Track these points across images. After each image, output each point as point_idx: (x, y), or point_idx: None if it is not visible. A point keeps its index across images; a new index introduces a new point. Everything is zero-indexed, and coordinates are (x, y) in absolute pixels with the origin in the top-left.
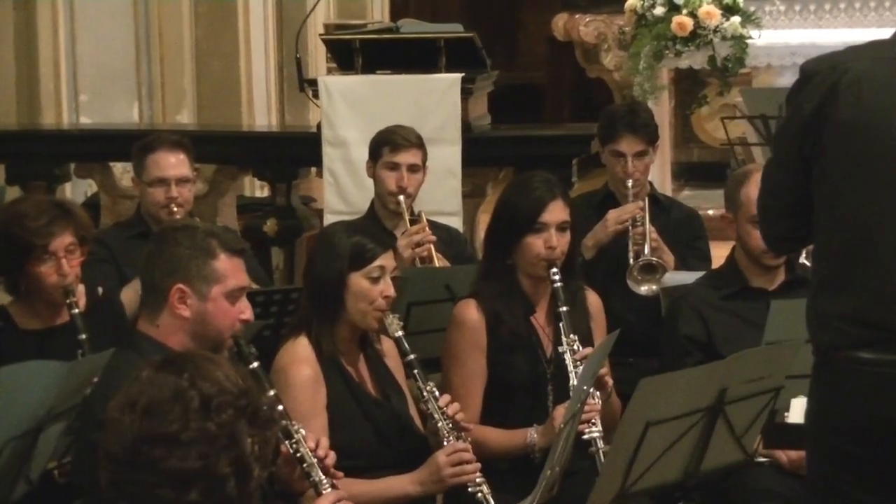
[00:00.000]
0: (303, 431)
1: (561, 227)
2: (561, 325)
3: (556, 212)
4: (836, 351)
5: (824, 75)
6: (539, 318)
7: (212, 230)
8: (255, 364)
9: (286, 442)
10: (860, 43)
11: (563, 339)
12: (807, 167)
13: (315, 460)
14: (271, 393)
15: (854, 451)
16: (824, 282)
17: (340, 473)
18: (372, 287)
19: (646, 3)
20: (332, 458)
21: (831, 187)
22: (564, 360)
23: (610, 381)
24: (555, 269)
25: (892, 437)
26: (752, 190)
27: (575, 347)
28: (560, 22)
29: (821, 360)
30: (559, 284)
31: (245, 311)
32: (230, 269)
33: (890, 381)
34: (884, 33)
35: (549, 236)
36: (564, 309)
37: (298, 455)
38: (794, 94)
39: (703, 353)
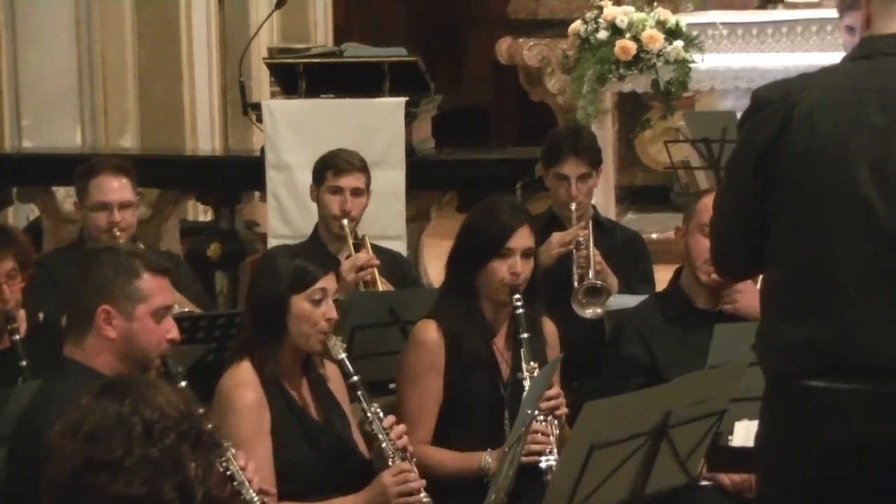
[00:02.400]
0: (232, 450)
1: (526, 254)
2: (522, 351)
3: (523, 238)
4: (790, 378)
5: (777, 104)
6: (498, 343)
7: (135, 250)
8: (183, 384)
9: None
10: (812, 71)
11: (524, 365)
12: (761, 196)
13: (245, 478)
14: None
15: (807, 477)
16: (780, 310)
17: (273, 490)
18: (314, 309)
19: (589, 27)
20: (259, 480)
21: (789, 218)
22: (523, 386)
23: (564, 409)
24: (518, 296)
25: (845, 464)
26: (708, 200)
27: (535, 375)
28: (504, 46)
29: (773, 387)
30: (521, 311)
31: (171, 330)
32: (155, 288)
33: (844, 408)
34: (826, 57)
35: (515, 262)
36: (525, 336)
37: (229, 473)
38: (745, 122)
39: (647, 375)
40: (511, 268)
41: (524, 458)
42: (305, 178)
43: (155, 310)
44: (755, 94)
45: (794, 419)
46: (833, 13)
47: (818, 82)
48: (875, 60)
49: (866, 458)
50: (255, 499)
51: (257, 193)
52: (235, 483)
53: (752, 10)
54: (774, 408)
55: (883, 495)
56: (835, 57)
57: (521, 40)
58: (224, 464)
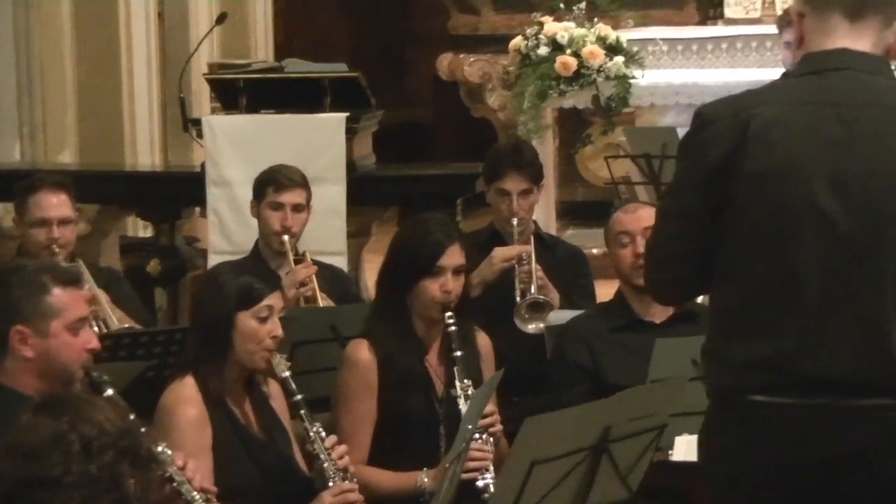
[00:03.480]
0: (169, 451)
1: (457, 271)
2: (455, 369)
3: (453, 256)
4: (745, 394)
5: (728, 121)
6: (431, 360)
7: (43, 265)
8: (110, 392)
9: None
10: (753, 86)
11: (458, 383)
12: (711, 215)
13: (185, 479)
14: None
15: (765, 492)
16: (734, 327)
17: (214, 489)
18: (260, 327)
19: (530, 43)
20: (200, 478)
21: (745, 234)
22: (458, 403)
23: (499, 427)
24: (450, 313)
25: (805, 479)
26: (621, 215)
27: (469, 392)
28: (445, 62)
29: (724, 403)
30: (454, 328)
31: (90, 340)
32: (67, 302)
33: (804, 423)
34: (765, 73)
35: (446, 280)
36: (459, 353)
37: (167, 475)
38: (692, 140)
39: (592, 381)
40: (442, 286)
41: (464, 476)
42: (246, 193)
43: (70, 323)
44: (701, 112)
45: (751, 434)
46: (772, 29)
47: (771, 98)
48: (825, 76)
49: (827, 473)
50: (197, 497)
51: (197, 209)
52: (175, 484)
53: (692, 26)
54: (728, 423)
55: None
56: (774, 73)
57: (462, 56)
58: (163, 467)
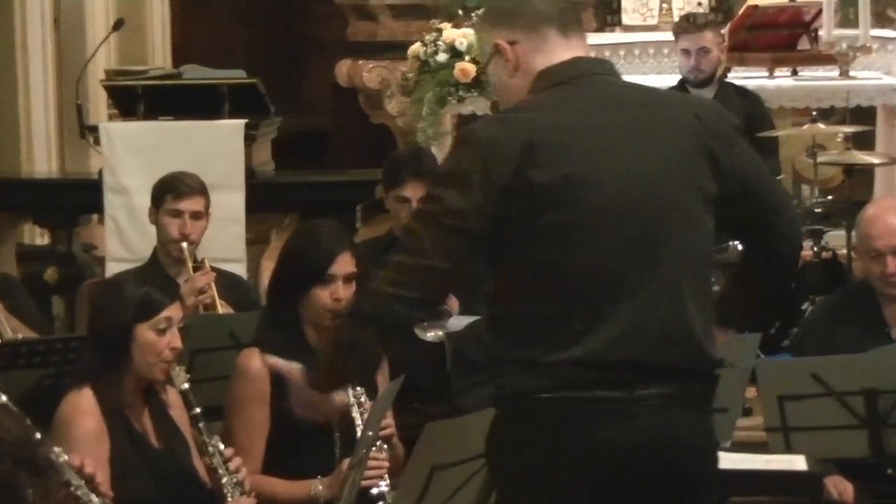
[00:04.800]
0: (65, 456)
1: (348, 279)
2: None
3: (344, 264)
4: (537, 393)
5: (505, 139)
6: None
7: None
8: (3, 398)
9: None
10: (522, 104)
11: (350, 390)
12: (499, 232)
13: (83, 483)
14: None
15: (582, 483)
16: (533, 333)
17: (110, 494)
18: (158, 339)
19: (428, 50)
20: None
21: (541, 245)
22: (351, 411)
23: (392, 431)
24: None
25: (624, 466)
26: None
27: (362, 399)
28: (343, 68)
29: (518, 405)
30: None
31: None
32: None
33: (615, 416)
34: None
35: (337, 288)
36: None
37: (65, 480)
38: (470, 160)
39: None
40: (333, 294)
41: (363, 482)
42: (144, 201)
43: None
44: (473, 133)
45: (566, 429)
46: (669, 36)
47: (543, 110)
48: (577, 83)
49: (646, 459)
50: (96, 501)
51: (95, 216)
52: (73, 488)
53: (590, 33)
54: (523, 422)
55: (661, 494)
56: (671, 79)
57: (360, 62)
58: (60, 474)
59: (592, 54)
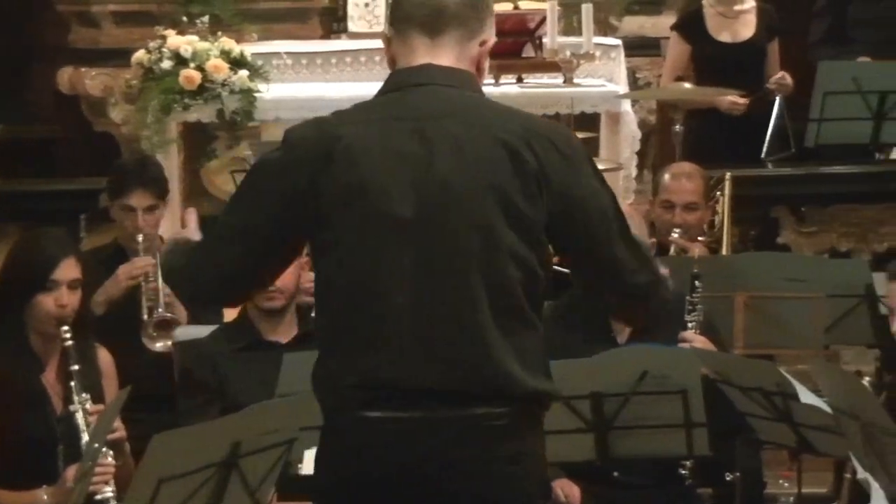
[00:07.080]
0: None
1: (72, 285)
2: (72, 384)
3: (68, 269)
4: (344, 412)
5: (313, 143)
6: (49, 377)
7: None
8: None
9: None
10: (346, 108)
11: (75, 398)
12: (282, 239)
13: None
14: None
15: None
16: (329, 346)
17: None
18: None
19: (153, 57)
20: None
21: (336, 255)
22: (76, 419)
23: (122, 436)
24: (66, 328)
25: (399, 492)
26: None
27: (87, 407)
28: (65, 75)
29: (331, 419)
30: (70, 343)
31: None
32: None
33: (394, 435)
34: None
35: (60, 294)
36: (76, 368)
37: None
38: (273, 163)
39: (219, 401)
40: (57, 300)
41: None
42: None
43: None
44: (288, 134)
45: (350, 449)
46: None
47: (354, 118)
48: (407, 92)
49: (424, 481)
50: None
51: None
52: None
53: (316, 40)
54: (327, 438)
55: None
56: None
57: (83, 70)
58: None
59: (463, 66)
